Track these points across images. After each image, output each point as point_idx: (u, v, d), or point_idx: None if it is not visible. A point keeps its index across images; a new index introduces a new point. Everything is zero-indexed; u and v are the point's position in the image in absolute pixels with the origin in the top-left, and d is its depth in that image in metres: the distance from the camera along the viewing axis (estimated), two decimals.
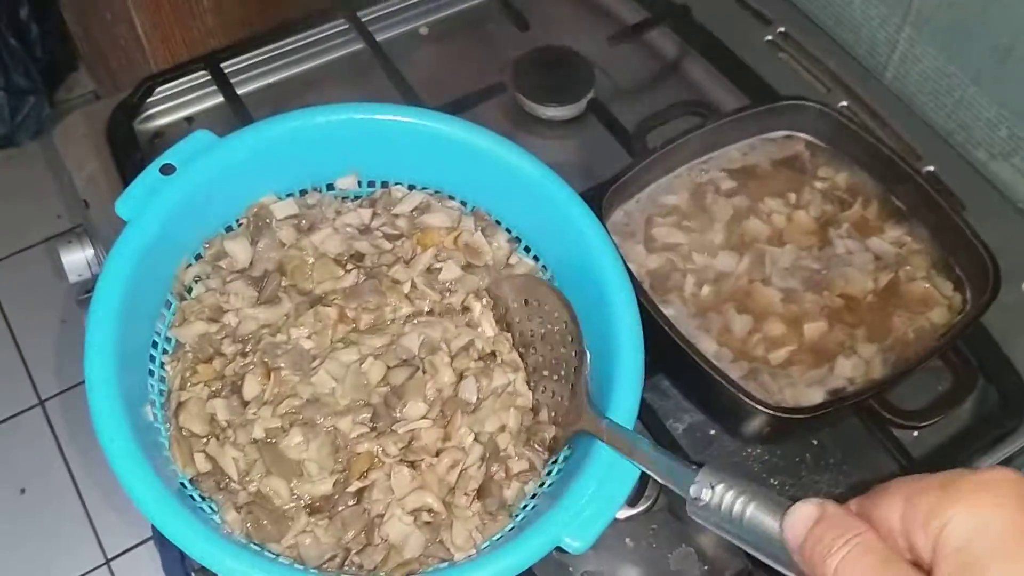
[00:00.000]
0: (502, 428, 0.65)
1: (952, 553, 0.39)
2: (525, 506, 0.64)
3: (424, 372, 0.65)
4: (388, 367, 0.65)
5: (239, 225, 0.70)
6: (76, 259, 0.95)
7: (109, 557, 1.65)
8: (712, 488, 0.50)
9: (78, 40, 1.91)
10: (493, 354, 0.68)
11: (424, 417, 0.64)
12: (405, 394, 0.64)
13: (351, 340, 0.66)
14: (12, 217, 1.99)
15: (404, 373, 0.65)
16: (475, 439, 0.64)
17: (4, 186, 2.02)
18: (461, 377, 0.66)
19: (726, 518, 0.49)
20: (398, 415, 0.64)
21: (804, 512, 0.45)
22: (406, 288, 0.68)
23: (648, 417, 0.77)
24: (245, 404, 0.63)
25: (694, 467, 0.52)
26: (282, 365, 0.64)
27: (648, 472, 0.57)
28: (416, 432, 0.63)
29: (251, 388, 0.63)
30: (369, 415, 0.63)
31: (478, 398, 0.65)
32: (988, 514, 0.39)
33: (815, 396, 0.72)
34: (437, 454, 0.63)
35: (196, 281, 0.68)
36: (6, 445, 1.75)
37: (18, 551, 1.64)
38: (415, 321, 0.67)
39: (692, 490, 0.51)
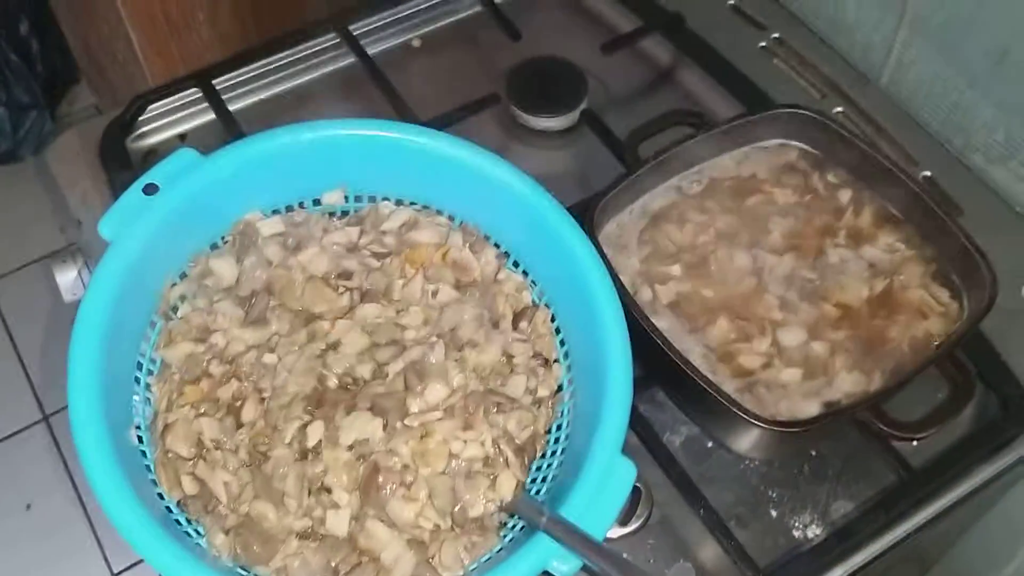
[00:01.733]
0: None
1: None
2: (514, 526, 0.63)
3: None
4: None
5: (224, 243, 0.70)
6: (71, 278, 0.94)
7: (115, 572, 1.65)
8: None
9: (77, 55, 1.92)
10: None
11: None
12: (426, 376, 0.64)
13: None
14: (15, 232, 1.99)
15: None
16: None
17: (7, 201, 2.03)
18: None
19: None
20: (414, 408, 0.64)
21: None
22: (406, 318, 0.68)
23: (644, 431, 0.76)
24: (239, 426, 0.63)
25: None
26: (266, 387, 0.63)
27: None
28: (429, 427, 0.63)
29: (249, 412, 0.63)
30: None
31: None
32: None
33: (811, 408, 0.71)
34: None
35: (182, 300, 0.68)
36: (12, 461, 1.76)
37: (24, 567, 1.64)
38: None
39: None
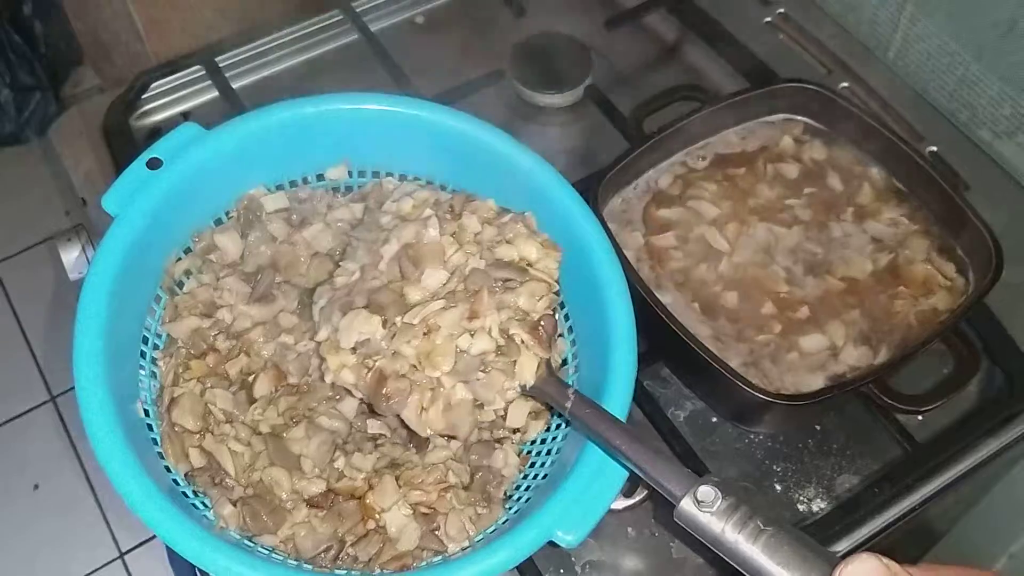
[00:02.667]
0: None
1: None
2: (519, 498, 0.63)
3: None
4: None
5: (229, 218, 0.70)
6: (75, 256, 0.94)
7: (123, 551, 1.66)
8: (722, 497, 0.48)
9: (81, 36, 1.91)
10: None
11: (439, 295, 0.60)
12: (422, 261, 0.61)
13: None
14: (21, 214, 1.99)
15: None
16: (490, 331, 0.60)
17: (13, 183, 2.03)
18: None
19: (729, 536, 0.47)
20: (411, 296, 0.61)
21: (870, 568, 0.43)
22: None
23: (649, 405, 0.76)
24: (252, 401, 0.63)
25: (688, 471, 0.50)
26: (291, 370, 0.64)
27: (623, 459, 0.55)
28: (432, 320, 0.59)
29: (262, 387, 0.64)
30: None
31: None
32: None
33: (816, 382, 0.71)
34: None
35: (187, 276, 0.68)
36: (19, 442, 1.76)
37: (33, 547, 1.65)
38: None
39: (701, 492, 0.49)
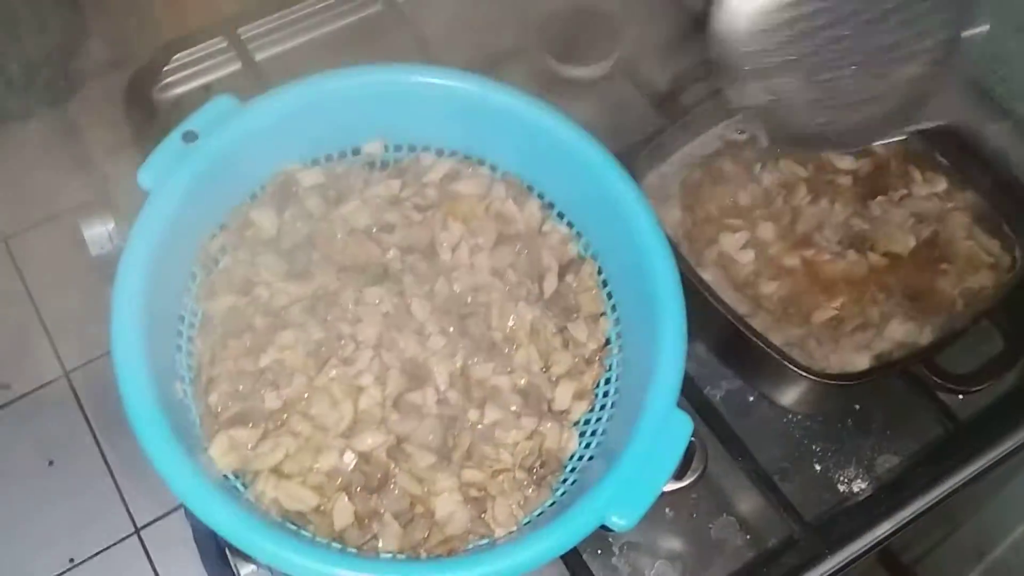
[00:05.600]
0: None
1: None
2: (565, 479, 0.62)
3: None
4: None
5: (264, 193, 0.68)
6: (98, 232, 0.93)
7: (139, 526, 1.66)
8: None
9: (89, 9, 1.89)
10: None
11: None
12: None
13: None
14: (31, 187, 1.97)
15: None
16: None
17: (23, 157, 2.00)
18: None
19: None
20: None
21: None
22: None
23: (685, 384, 0.74)
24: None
25: None
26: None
27: None
28: None
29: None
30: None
31: None
32: None
33: (861, 362, 0.70)
34: None
35: (223, 252, 0.66)
36: (33, 418, 1.75)
37: (48, 523, 1.64)
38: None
39: None
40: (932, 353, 0.69)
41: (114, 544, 1.64)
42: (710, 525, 0.72)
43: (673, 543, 0.72)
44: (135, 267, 0.57)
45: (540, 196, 0.71)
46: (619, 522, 0.54)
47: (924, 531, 0.81)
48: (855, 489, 0.74)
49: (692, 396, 0.74)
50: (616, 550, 0.71)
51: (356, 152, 0.70)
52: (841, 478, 0.74)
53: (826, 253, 0.74)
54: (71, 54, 2.10)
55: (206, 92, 0.95)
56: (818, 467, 0.75)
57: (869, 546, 0.70)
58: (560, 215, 0.71)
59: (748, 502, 0.73)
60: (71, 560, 1.62)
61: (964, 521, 1.04)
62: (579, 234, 0.70)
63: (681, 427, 0.57)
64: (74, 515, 1.65)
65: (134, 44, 1.53)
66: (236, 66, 0.95)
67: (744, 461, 0.71)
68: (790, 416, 0.76)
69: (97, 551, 1.63)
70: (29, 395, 1.78)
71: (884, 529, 0.71)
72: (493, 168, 0.72)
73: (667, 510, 0.72)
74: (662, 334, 0.60)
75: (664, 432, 0.57)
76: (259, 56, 0.95)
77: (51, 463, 1.71)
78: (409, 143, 0.71)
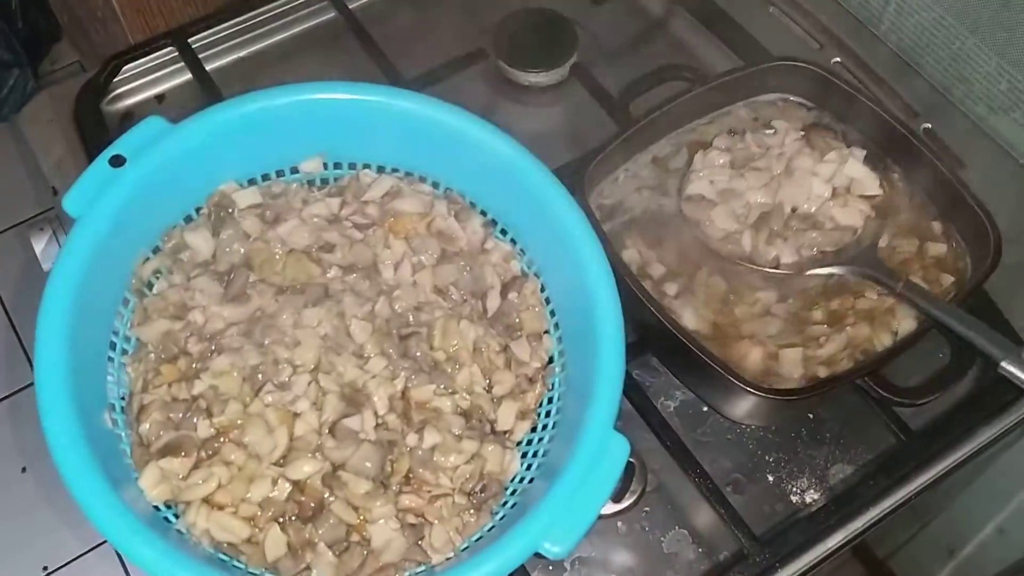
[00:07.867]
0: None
1: None
2: (505, 502, 0.61)
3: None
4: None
5: (199, 215, 0.67)
6: (46, 246, 0.92)
7: None
8: None
9: (58, 11, 1.86)
10: None
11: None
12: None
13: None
14: (1, 194, 1.95)
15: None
16: None
17: None
18: None
19: None
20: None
21: None
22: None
23: (638, 396, 0.74)
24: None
25: None
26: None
27: None
28: None
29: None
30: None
31: None
32: None
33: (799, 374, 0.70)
34: None
35: (156, 276, 0.65)
36: (6, 424, 1.74)
37: (20, 530, 1.63)
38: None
39: None
40: (878, 366, 0.68)
41: (88, 551, 1.63)
42: (662, 539, 0.72)
43: (625, 557, 0.71)
44: (59, 298, 0.56)
45: (483, 212, 0.71)
46: (553, 549, 0.53)
47: (894, 527, 0.81)
48: (808, 500, 0.73)
49: (643, 407, 0.74)
50: (567, 565, 0.70)
51: (294, 171, 0.69)
52: (794, 488, 0.74)
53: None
54: (42, 56, 2.08)
55: (159, 103, 0.94)
56: (771, 477, 0.74)
57: (821, 558, 0.70)
58: (503, 231, 0.70)
59: (700, 515, 0.72)
60: (44, 568, 1.61)
61: (933, 518, 1.03)
62: (522, 251, 0.69)
63: (619, 450, 0.57)
64: (47, 522, 1.64)
65: (101, 47, 1.51)
66: (187, 76, 0.94)
67: (695, 475, 0.70)
68: (743, 426, 0.76)
69: (70, 559, 1.62)
70: (2, 401, 1.77)
71: (836, 540, 0.70)
72: (435, 184, 0.71)
73: (619, 524, 0.72)
74: (601, 355, 0.59)
75: (602, 456, 0.56)
76: (210, 65, 0.94)
77: (24, 470, 1.70)
78: (349, 160, 0.70)
